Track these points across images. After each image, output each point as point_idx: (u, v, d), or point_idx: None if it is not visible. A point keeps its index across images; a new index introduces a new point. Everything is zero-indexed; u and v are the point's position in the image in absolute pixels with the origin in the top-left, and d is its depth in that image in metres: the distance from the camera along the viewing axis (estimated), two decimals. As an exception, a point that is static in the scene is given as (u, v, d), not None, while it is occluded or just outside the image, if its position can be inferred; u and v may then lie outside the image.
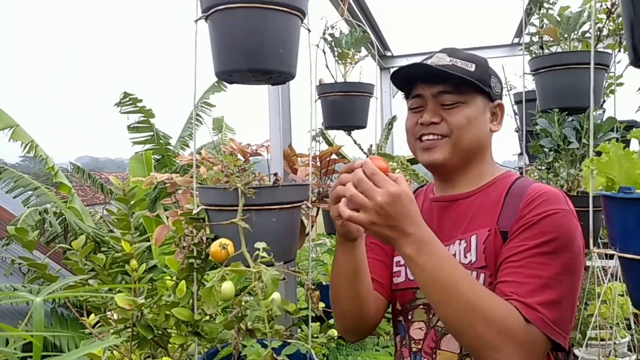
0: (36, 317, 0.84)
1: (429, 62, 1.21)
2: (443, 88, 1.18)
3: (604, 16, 2.00)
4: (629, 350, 2.15)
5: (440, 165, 1.21)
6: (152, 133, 7.01)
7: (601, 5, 1.99)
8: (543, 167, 1.98)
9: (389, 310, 1.34)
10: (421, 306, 1.22)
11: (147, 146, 7.04)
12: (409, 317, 1.24)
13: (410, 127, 1.24)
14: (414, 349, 1.22)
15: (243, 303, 1.22)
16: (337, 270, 1.20)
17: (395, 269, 1.30)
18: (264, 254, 1.09)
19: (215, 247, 1.18)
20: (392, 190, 0.94)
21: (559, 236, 1.04)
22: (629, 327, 2.15)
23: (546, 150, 1.89)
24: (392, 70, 4.01)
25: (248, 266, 1.15)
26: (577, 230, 1.06)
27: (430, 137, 1.19)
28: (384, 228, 0.96)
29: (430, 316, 1.20)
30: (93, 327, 1.47)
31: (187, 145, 8.01)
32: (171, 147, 7.44)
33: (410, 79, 1.25)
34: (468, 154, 1.20)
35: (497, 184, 1.21)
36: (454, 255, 1.17)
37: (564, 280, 1.02)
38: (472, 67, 1.18)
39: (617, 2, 1.93)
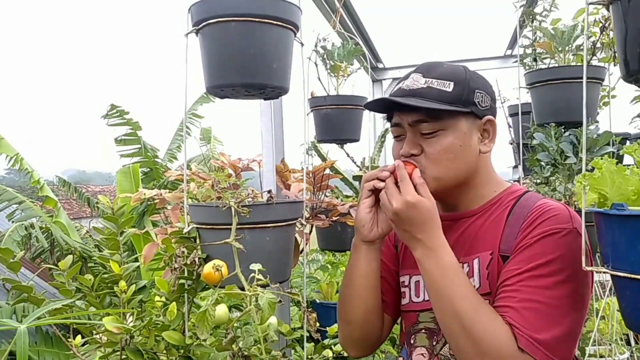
0: (19, 347, 0.78)
1: (403, 84, 1.12)
2: (418, 117, 1.08)
3: (597, 30, 1.99)
4: (628, 366, 2.13)
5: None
6: (139, 146, 6.94)
7: (594, 19, 1.98)
8: (540, 181, 1.97)
9: None
10: (423, 330, 1.18)
11: (135, 159, 6.96)
12: (412, 342, 1.20)
13: (395, 157, 1.16)
14: None
15: (236, 324, 1.17)
16: (352, 276, 1.20)
17: (400, 289, 1.25)
18: (260, 276, 1.04)
19: (208, 269, 1.13)
20: (408, 199, 1.04)
21: (558, 257, 0.99)
22: (628, 343, 2.13)
23: (543, 164, 1.88)
24: (384, 82, 4.05)
25: (242, 288, 1.10)
26: (580, 249, 0.99)
27: None
28: (399, 230, 1.08)
29: (434, 343, 1.16)
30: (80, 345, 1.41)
31: (175, 158, 7.93)
32: (159, 160, 7.37)
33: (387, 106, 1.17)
34: (455, 184, 1.12)
35: (500, 200, 1.15)
36: None
37: (563, 304, 0.98)
38: (449, 87, 1.07)
39: (610, 17, 1.93)
